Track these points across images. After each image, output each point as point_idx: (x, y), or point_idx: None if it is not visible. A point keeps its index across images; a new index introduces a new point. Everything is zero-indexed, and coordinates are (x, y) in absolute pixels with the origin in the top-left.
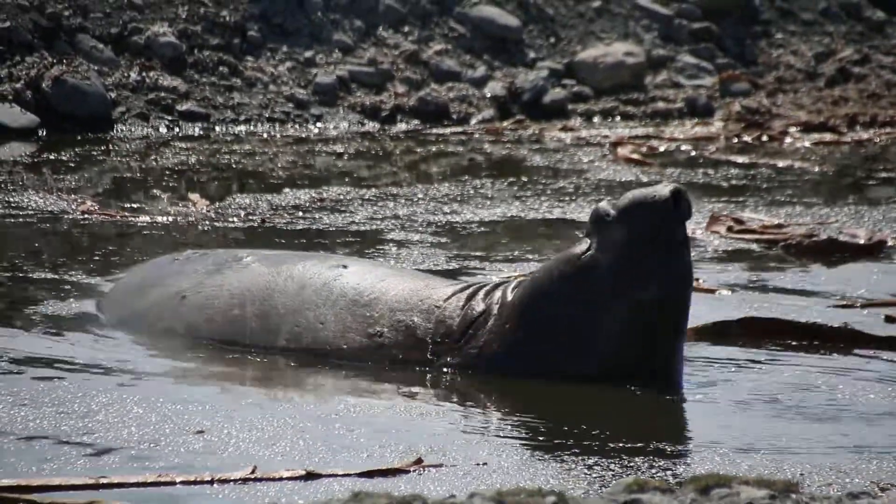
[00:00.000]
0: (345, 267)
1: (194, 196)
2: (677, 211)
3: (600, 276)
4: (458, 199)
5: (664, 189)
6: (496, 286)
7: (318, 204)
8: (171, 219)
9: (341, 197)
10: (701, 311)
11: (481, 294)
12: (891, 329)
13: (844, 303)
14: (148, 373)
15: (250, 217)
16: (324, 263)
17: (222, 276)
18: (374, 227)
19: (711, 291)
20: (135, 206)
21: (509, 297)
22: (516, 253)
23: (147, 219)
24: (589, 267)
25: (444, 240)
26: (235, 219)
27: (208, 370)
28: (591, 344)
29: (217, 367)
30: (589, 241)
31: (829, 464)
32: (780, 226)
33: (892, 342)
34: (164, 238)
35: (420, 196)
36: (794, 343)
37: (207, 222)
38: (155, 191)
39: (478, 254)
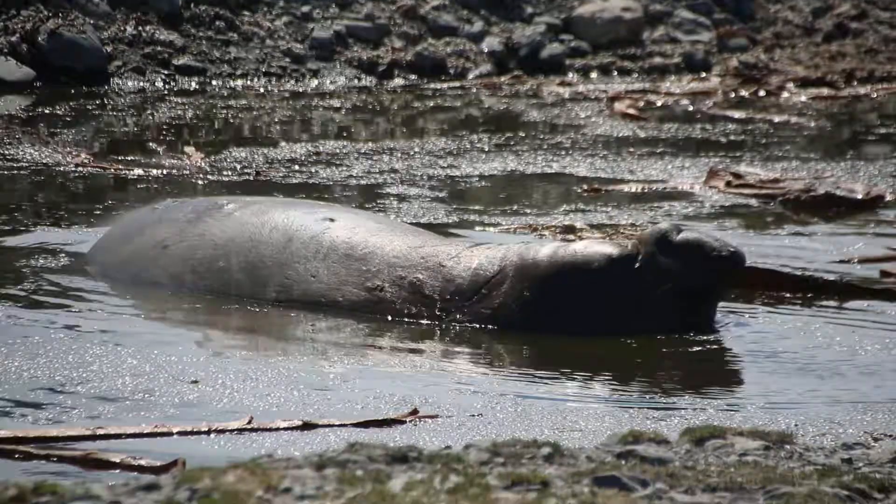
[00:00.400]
0: (332, 220)
1: (189, 149)
2: (732, 269)
3: (637, 284)
4: (455, 153)
5: (730, 247)
6: (507, 249)
7: (315, 157)
8: (165, 172)
9: (338, 151)
10: None
11: (492, 255)
12: (886, 283)
13: (841, 257)
14: (141, 324)
15: (245, 170)
16: (309, 215)
17: (204, 225)
18: (372, 181)
19: None
20: (129, 159)
21: (531, 263)
22: (515, 207)
23: (141, 171)
24: (630, 273)
25: (442, 194)
26: (230, 172)
27: (202, 322)
28: (612, 323)
29: (210, 318)
30: (639, 248)
31: (823, 415)
32: (776, 180)
33: (886, 294)
34: (158, 191)
35: (417, 150)
36: (788, 295)
37: (202, 175)
38: (150, 144)
39: (476, 207)
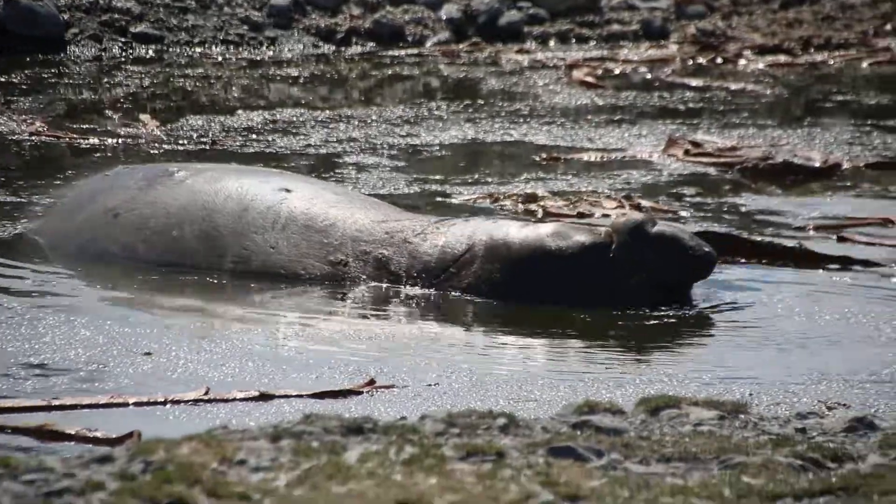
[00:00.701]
0: (288, 190)
1: (145, 117)
2: (705, 268)
3: (610, 273)
4: (414, 121)
5: (704, 247)
6: (475, 226)
7: (272, 126)
8: (120, 140)
9: (294, 119)
10: None
11: (459, 232)
12: (843, 249)
13: (798, 224)
14: (94, 295)
15: (201, 139)
16: (265, 184)
17: (155, 193)
18: (330, 150)
19: (674, 213)
20: (85, 127)
21: (502, 244)
22: (475, 176)
23: (96, 140)
24: (603, 262)
25: (400, 163)
26: (186, 141)
27: (154, 292)
28: (585, 299)
29: (163, 288)
30: (613, 237)
31: (777, 384)
32: (734, 148)
33: (843, 261)
34: (112, 159)
35: (375, 118)
36: (744, 261)
37: (158, 144)
38: (106, 112)
39: (435, 177)
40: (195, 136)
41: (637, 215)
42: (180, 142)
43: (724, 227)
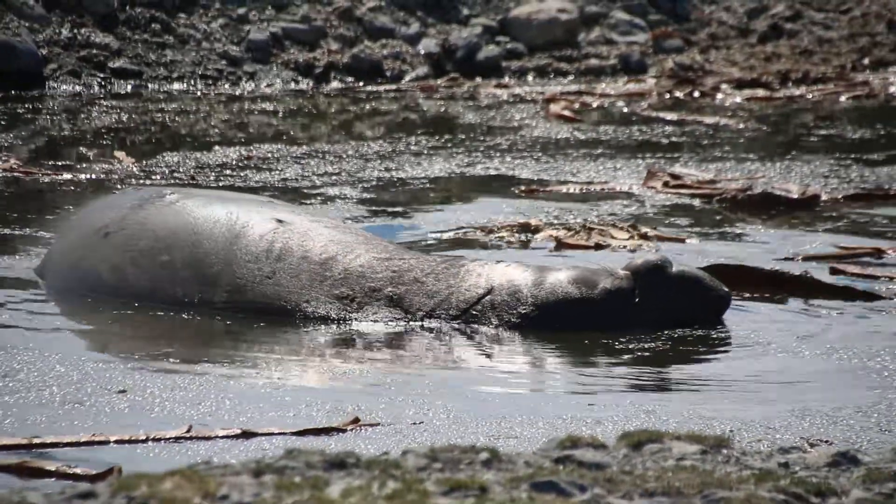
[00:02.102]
0: (280, 221)
1: (120, 154)
2: (722, 310)
3: (629, 312)
4: (391, 156)
5: (723, 287)
6: (490, 269)
7: (246, 162)
8: (94, 176)
9: (269, 155)
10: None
11: (475, 273)
12: (845, 280)
13: (785, 255)
14: (71, 327)
15: (175, 175)
16: (255, 213)
17: (145, 213)
18: (306, 184)
19: (681, 240)
20: (60, 163)
21: (524, 288)
22: (454, 210)
23: (69, 176)
24: (626, 303)
25: (377, 197)
26: (160, 176)
27: (131, 325)
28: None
29: (140, 321)
30: (633, 278)
31: (759, 420)
32: (712, 181)
33: (846, 293)
34: (84, 195)
35: (352, 153)
36: (749, 295)
37: (132, 180)
38: (81, 148)
39: (415, 209)
40: (168, 171)
41: (653, 256)
42: (154, 177)
43: (728, 253)
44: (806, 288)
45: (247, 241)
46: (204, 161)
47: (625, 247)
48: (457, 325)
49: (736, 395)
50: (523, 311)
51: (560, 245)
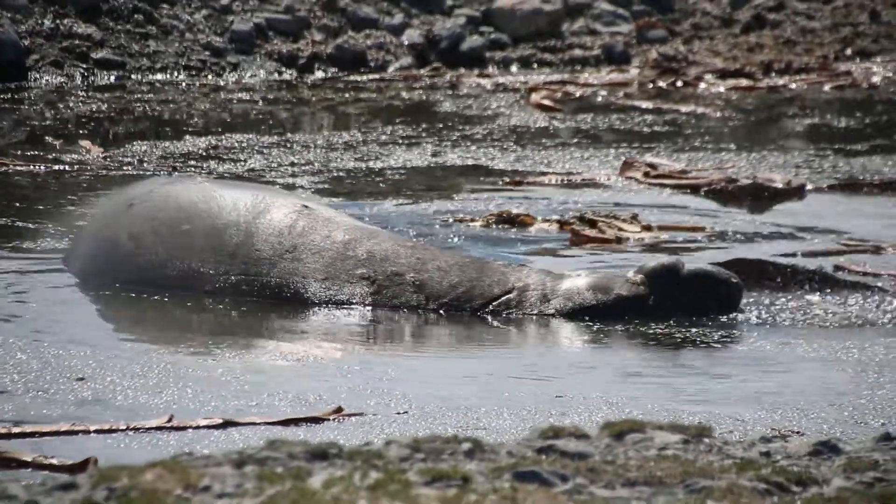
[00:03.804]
0: (305, 206)
1: (85, 142)
2: (736, 303)
3: (645, 310)
4: (371, 145)
5: (735, 280)
6: (511, 270)
7: (213, 151)
8: (61, 167)
9: (237, 145)
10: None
11: (500, 271)
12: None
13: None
14: (35, 311)
15: (142, 164)
16: (281, 196)
17: (171, 188)
18: (274, 175)
19: (701, 229)
20: (28, 153)
21: (544, 293)
22: (437, 200)
23: (42, 167)
24: (643, 306)
25: (352, 186)
26: (129, 167)
27: (96, 307)
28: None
29: (105, 302)
30: (649, 282)
31: (728, 413)
32: (684, 171)
33: (860, 288)
34: (48, 184)
35: (335, 143)
36: (772, 287)
37: (103, 169)
38: (52, 139)
39: (397, 200)
40: (136, 161)
41: (665, 259)
42: (125, 168)
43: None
44: (822, 282)
45: (271, 216)
46: (171, 150)
47: (641, 238)
48: (467, 318)
49: (708, 387)
50: (542, 311)
51: (577, 237)
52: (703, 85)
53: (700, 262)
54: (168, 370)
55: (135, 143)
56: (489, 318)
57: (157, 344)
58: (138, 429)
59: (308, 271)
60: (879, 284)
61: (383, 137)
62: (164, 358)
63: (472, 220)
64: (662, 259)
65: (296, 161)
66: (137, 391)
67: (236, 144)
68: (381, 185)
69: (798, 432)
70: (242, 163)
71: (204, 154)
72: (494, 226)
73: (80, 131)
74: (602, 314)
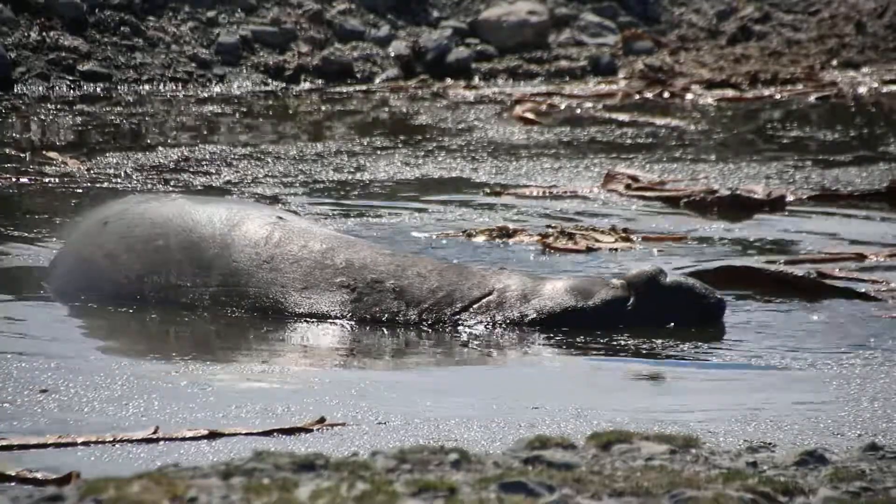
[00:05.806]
0: (280, 218)
1: (52, 153)
2: (716, 317)
3: (625, 319)
4: (356, 156)
5: (716, 293)
6: (492, 275)
7: (183, 164)
8: (31, 179)
9: (209, 157)
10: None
11: (479, 275)
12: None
13: (768, 259)
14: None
15: (115, 177)
16: (255, 209)
17: (146, 206)
18: (245, 187)
19: (683, 238)
20: (6, 166)
21: (523, 296)
22: (422, 212)
23: (11, 178)
24: (622, 313)
25: (339, 198)
26: (106, 179)
27: (62, 318)
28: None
29: (73, 313)
30: (629, 289)
31: (699, 425)
32: (662, 183)
33: (847, 293)
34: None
35: (295, 154)
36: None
37: (77, 182)
38: (9, 150)
39: (381, 211)
40: (109, 174)
41: (648, 268)
42: (100, 181)
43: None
44: (810, 289)
45: (246, 228)
46: (142, 162)
47: (614, 249)
48: (449, 325)
49: (682, 398)
50: (521, 315)
51: (550, 248)
52: (689, 96)
53: (685, 271)
54: (133, 382)
55: (107, 154)
56: (468, 328)
57: (127, 357)
58: (125, 440)
59: (287, 281)
60: (864, 290)
61: (381, 149)
62: (131, 370)
63: (469, 235)
64: (645, 267)
65: (274, 172)
66: (103, 403)
67: (207, 157)
68: (364, 196)
69: (770, 444)
70: (214, 175)
71: (175, 167)
72: (497, 239)
73: (57, 142)
74: (581, 319)
